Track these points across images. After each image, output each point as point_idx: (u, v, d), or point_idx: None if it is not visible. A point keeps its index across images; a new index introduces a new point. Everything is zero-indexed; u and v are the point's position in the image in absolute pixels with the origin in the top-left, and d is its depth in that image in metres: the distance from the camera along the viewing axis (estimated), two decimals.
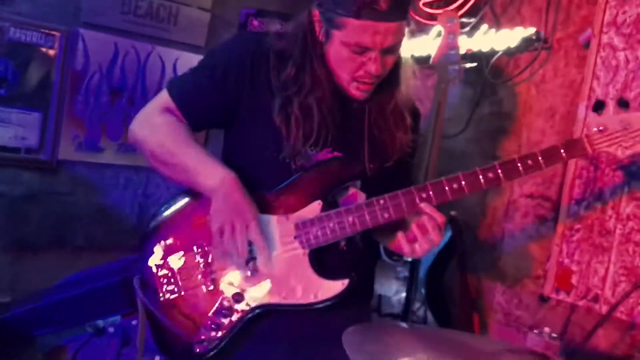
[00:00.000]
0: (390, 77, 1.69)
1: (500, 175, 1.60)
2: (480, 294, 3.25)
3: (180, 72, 3.81)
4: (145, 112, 1.74)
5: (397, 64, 1.69)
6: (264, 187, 1.67)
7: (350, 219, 1.62)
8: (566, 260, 2.79)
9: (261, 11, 2.96)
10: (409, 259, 3.04)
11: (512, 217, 3.14)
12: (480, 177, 1.60)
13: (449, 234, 3.12)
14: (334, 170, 1.67)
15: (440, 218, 1.60)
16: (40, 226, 3.55)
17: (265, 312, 1.65)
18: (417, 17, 3.61)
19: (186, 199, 1.73)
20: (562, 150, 1.61)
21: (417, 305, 3.12)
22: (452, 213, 3.12)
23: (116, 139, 3.72)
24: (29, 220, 3.50)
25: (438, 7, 3.50)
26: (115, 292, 2.72)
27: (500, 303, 3.16)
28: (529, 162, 1.60)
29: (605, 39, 2.73)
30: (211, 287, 1.65)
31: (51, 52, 3.43)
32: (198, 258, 1.67)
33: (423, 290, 3.16)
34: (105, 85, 3.63)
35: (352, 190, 1.70)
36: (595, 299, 2.64)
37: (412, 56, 3.47)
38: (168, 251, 1.68)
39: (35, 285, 3.07)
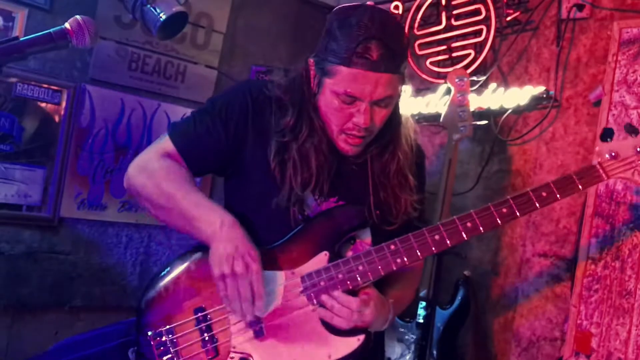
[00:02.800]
0: (391, 137, 1.66)
1: (515, 209, 1.55)
2: (495, 356, 3.14)
3: None
4: (143, 158, 1.69)
5: (396, 123, 1.67)
6: (265, 238, 1.60)
7: (360, 267, 1.54)
8: (585, 322, 2.71)
9: (271, 69, 2.97)
10: (421, 321, 2.94)
11: (526, 277, 3.07)
12: (495, 213, 1.55)
13: (462, 294, 3.03)
14: (338, 218, 1.60)
15: (353, 304, 1.53)
16: (39, 286, 3.46)
17: None
18: (424, 76, 3.64)
19: (182, 264, 1.64)
20: (576, 179, 1.57)
21: None
22: (466, 273, 3.05)
23: (120, 196, 3.66)
24: (28, 279, 3.41)
25: (444, 66, 3.54)
26: (114, 357, 2.61)
27: None
28: (544, 194, 1.56)
29: (616, 97, 2.73)
30: (213, 354, 1.55)
31: (57, 108, 3.41)
32: (198, 324, 1.57)
33: (435, 353, 3.05)
34: (111, 142, 3.60)
35: (358, 242, 1.63)
36: None
37: (420, 114, 3.52)
38: (165, 319, 1.59)
39: (32, 348, 2.96)
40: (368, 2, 1.58)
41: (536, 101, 3.09)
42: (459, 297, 3.03)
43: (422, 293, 2.95)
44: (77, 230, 3.57)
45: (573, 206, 2.89)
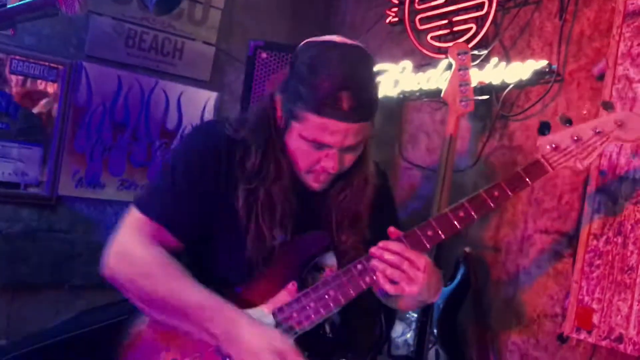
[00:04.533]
0: (354, 172, 1.62)
1: (471, 211, 1.53)
2: (496, 333, 3.14)
3: (184, 106, 3.81)
4: (120, 243, 1.53)
5: (363, 158, 1.62)
6: (235, 281, 1.55)
7: (331, 292, 1.49)
8: (586, 298, 2.69)
9: (270, 44, 2.92)
10: None
11: (527, 253, 3.05)
12: (452, 218, 1.52)
13: (462, 271, 3.02)
14: (299, 245, 1.55)
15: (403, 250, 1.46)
16: (38, 265, 3.45)
17: None
18: (425, 51, 3.60)
19: (141, 320, 1.52)
20: (524, 175, 1.60)
21: (428, 346, 3.01)
22: (466, 249, 3.03)
23: (118, 174, 3.64)
24: (26, 258, 3.41)
25: (446, 41, 3.49)
26: (112, 334, 2.61)
27: (516, 343, 3.04)
28: (496, 193, 1.57)
29: (620, 70, 2.68)
30: None
31: (54, 85, 3.37)
32: None
33: (435, 331, 3.04)
34: (108, 119, 3.56)
35: (327, 270, 1.59)
36: (620, 339, 2.53)
37: (421, 89, 3.48)
38: None
39: (32, 326, 2.95)
40: (336, 38, 1.51)
41: (538, 76, 3.04)
42: (459, 275, 3.02)
43: None
44: (76, 209, 3.56)
45: (575, 182, 2.86)
